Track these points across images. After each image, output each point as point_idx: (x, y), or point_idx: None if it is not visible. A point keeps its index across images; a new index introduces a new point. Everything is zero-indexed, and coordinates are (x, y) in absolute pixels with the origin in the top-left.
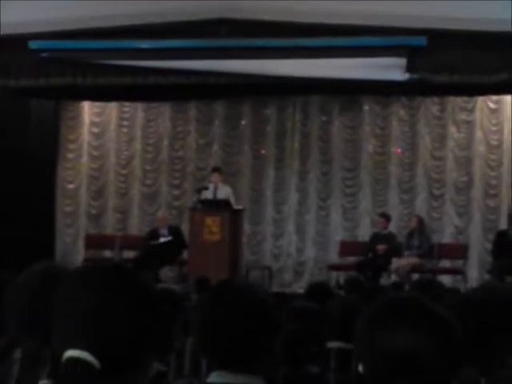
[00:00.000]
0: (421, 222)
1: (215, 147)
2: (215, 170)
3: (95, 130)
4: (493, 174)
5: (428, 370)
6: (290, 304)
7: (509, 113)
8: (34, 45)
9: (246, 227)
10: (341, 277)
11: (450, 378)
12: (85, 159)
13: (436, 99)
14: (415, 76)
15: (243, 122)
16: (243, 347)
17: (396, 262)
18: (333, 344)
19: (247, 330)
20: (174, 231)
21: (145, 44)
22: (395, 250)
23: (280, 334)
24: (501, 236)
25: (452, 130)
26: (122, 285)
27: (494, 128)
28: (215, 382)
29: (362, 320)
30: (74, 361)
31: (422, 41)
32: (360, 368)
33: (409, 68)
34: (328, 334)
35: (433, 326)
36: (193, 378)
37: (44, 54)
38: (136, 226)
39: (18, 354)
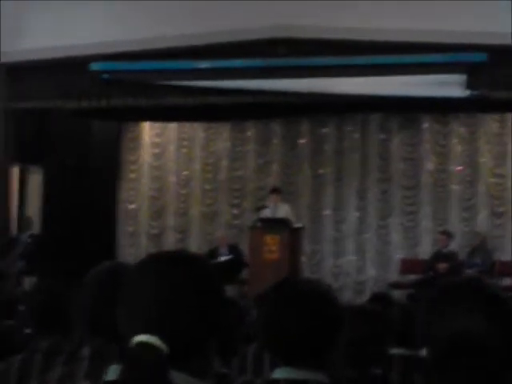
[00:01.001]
0: (483, 240)
1: (274, 166)
2: (274, 191)
3: (155, 150)
4: None
5: (490, 352)
6: (353, 307)
7: None
8: (95, 66)
9: (306, 246)
10: (402, 295)
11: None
12: (145, 180)
13: (496, 116)
14: (475, 92)
15: (302, 141)
16: (307, 343)
17: None
18: (394, 350)
19: (311, 325)
20: (234, 250)
21: (204, 64)
22: (456, 269)
23: (343, 330)
24: None
25: None
26: (189, 271)
27: None
28: (280, 378)
29: (424, 304)
30: (143, 345)
31: (483, 57)
32: (424, 352)
33: (469, 84)
34: (390, 337)
35: (493, 307)
36: (255, 378)
37: (105, 76)
38: (196, 246)
39: (86, 351)
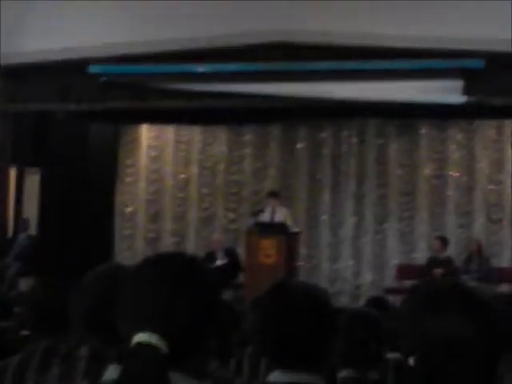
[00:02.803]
0: (480, 246)
1: (271, 171)
2: (271, 194)
3: (153, 153)
4: None
5: (476, 356)
6: (351, 310)
7: None
8: (93, 69)
9: (302, 251)
10: (397, 301)
11: (497, 364)
12: (142, 183)
13: (493, 122)
14: (472, 99)
15: (299, 146)
16: (302, 346)
17: None
18: (391, 355)
19: (306, 328)
20: (230, 254)
21: (201, 68)
22: (452, 275)
23: (339, 333)
24: None
25: (510, 153)
26: (187, 272)
27: None
28: (275, 381)
29: (406, 310)
30: (142, 345)
31: (480, 63)
32: (411, 361)
33: (466, 91)
34: (386, 341)
35: (480, 312)
36: (252, 380)
37: (103, 78)
38: (192, 249)
39: (83, 352)
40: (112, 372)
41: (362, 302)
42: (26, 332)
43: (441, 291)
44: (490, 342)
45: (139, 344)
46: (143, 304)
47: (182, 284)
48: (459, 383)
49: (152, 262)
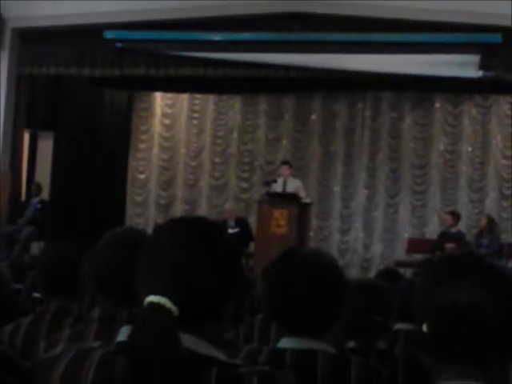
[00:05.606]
0: (491, 221)
1: (284, 141)
2: (285, 162)
3: (166, 121)
4: None
5: (490, 324)
6: (360, 280)
7: None
8: (109, 35)
9: (313, 222)
10: (408, 274)
11: (510, 331)
12: (155, 150)
13: (508, 98)
14: (488, 73)
15: (313, 117)
16: (312, 312)
17: None
18: (401, 326)
19: (315, 294)
20: (242, 223)
21: (217, 36)
22: (464, 249)
23: (347, 301)
24: None
25: None
26: (205, 235)
27: None
28: (286, 347)
29: (421, 278)
30: (153, 306)
31: (497, 38)
32: (424, 328)
33: (482, 65)
34: (396, 312)
35: (493, 279)
36: (262, 345)
37: (119, 44)
38: None
39: (95, 314)
40: (124, 333)
41: (371, 275)
42: (37, 294)
43: (454, 259)
44: (504, 308)
45: (150, 304)
46: (158, 267)
47: (198, 247)
48: (471, 349)
49: (170, 226)
